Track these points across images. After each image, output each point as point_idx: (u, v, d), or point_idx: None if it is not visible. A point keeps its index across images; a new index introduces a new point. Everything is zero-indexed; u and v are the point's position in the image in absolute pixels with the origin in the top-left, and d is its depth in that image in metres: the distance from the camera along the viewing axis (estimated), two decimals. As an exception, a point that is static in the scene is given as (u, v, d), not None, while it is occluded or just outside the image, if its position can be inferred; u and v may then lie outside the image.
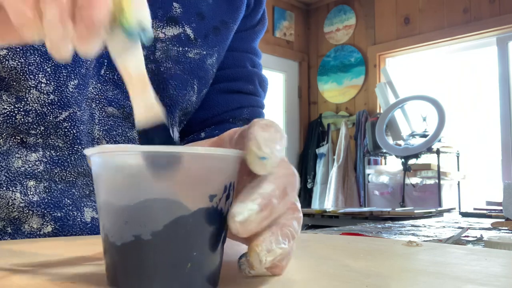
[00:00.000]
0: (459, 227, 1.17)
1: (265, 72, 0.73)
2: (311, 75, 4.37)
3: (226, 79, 0.67)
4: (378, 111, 3.82)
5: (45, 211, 0.50)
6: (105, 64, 0.53)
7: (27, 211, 0.49)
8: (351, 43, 4.08)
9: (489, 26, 3.30)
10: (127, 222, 0.25)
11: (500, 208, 1.48)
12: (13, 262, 0.33)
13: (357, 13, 4.06)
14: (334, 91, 4.17)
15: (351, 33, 4.08)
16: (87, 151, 0.27)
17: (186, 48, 0.58)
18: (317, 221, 2.78)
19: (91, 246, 0.41)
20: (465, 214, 1.69)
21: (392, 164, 3.62)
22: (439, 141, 3.12)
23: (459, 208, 3.14)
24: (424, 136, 3.20)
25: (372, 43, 3.94)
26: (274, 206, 0.26)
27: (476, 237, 0.94)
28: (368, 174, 3.60)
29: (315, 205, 3.96)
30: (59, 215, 0.51)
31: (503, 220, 1.29)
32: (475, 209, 1.80)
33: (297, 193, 0.30)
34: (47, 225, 0.50)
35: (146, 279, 0.25)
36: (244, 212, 0.25)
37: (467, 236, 0.95)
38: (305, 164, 4.19)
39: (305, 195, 4.16)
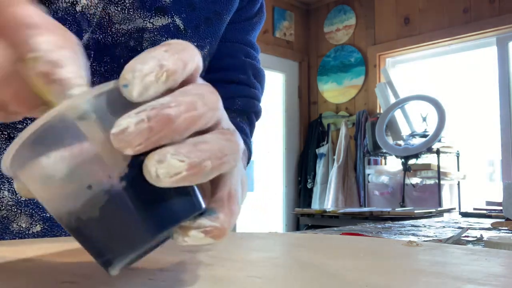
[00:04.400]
0: (459, 227, 1.17)
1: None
2: (311, 75, 4.37)
3: (217, 69, 0.63)
4: (378, 111, 3.82)
5: (33, 211, 0.49)
6: (92, 55, 0.51)
7: (15, 209, 0.49)
8: (351, 43, 4.08)
9: (489, 26, 3.30)
10: (91, 186, 0.22)
11: (500, 208, 1.48)
12: (11, 263, 0.33)
13: (357, 13, 4.06)
14: (334, 91, 4.17)
15: (351, 33, 4.08)
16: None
17: (175, 39, 0.56)
18: (317, 221, 2.79)
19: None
20: (465, 214, 1.69)
21: (392, 164, 3.62)
22: (439, 141, 3.12)
23: (459, 208, 3.14)
24: (424, 136, 3.20)
25: (372, 43, 3.94)
26: (168, 118, 0.21)
27: (476, 237, 0.94)
28: (368, 174, 3.60)
29: (315, 205, 3.96)
30: (48, 215, 0.50)
31: (503, 220, 1.29)
32: (475, 209, 1.80)
33: (219, 111, 0.25)
34: (36, 225, 0.50)
35: (137, 233, 0.22)
36: (122, 123, 0.21)
37: (467, 236, 0.95)
38: (305, 164, 4.19)
39: (305, 195, 4.16)
